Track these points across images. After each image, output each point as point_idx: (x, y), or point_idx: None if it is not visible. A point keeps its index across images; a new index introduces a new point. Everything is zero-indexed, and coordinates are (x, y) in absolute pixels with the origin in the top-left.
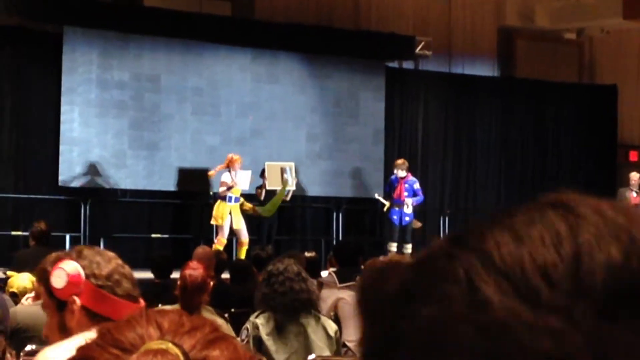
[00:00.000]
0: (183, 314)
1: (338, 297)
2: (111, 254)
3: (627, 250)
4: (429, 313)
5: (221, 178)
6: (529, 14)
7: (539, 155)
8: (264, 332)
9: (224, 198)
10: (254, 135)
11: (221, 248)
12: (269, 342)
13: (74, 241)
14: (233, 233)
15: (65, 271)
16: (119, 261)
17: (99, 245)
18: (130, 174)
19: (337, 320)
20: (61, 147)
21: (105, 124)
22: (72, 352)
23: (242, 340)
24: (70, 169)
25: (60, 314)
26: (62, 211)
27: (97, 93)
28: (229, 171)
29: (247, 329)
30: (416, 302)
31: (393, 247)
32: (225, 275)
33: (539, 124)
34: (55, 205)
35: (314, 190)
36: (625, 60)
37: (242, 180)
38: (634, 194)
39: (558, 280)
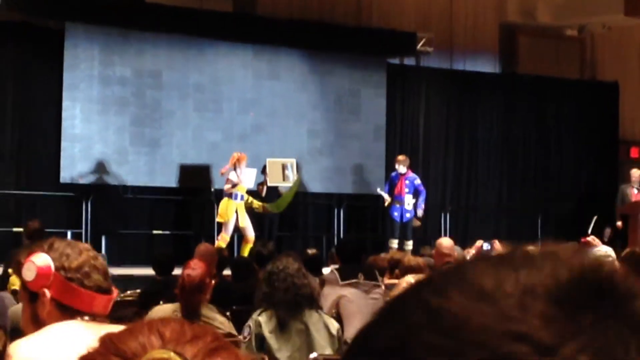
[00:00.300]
0: (185, 322)
1: (340, 294)
2: (84, 245)
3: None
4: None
5: (228, 176)
6: (531, 10)
7: (541, 151)
8: (266, 330)
9: (229, 195)
10: (256, 131)
11: (224, 245)
12: (271, 340)
13: (76, 238)
14: (237, 230)
15: (35, 264)
16: (91, 253)
17: (101, 242)
18: (132, 170)
19: (338, 318)
20: (63, 144)
21: (106, 121)
22: (43, 344)
23: (244, 338)
24: (72, 166)
25: (32, 305)
26: (64, 208)
27: (99, 89)
28: (235, 169)
29: (250, 327)
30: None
31: (394, 243)
32: (227, 272)
33: (541, 121)
34: (56, 202)
35: (315, 186)
36: (627, 56)
37: (247, 178)
38: (635, 191)
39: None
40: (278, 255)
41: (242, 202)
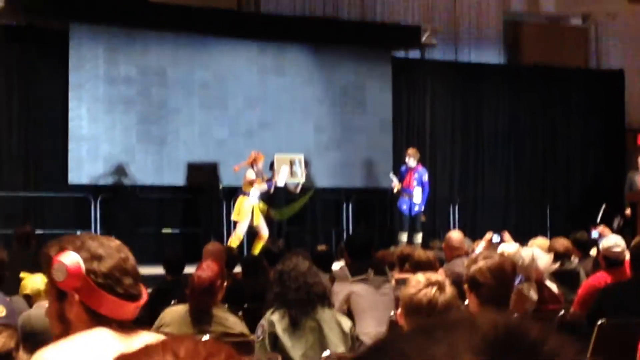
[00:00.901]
0: (199, 342)
1: (351, 290)
2: (115, 244)
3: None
4: None
5: (246, 175)
6: (534, 0)
7: (547, 141)
8: (279, 328)
9: (247, 194)
10: (262, 127)
11: (237, 244)
12: (284, 338)
13: None
14: (249, 228)
15: (66, 265)
16: (122, 254)
17: None
18: (139, 169)
19: (349, 314)
20: (70, 144)
21: (113, 120)
22: (70, 354)
23: (258, 338)
24: (80, 166)
25: (60, 303)
26: (72, 208)
27: (105, 89)
28: (252, 168)
29: (263, 326)
30: None
31: (404, 237)
32: (237, 270)
33: (547, 111)
34: (65, 202)
35: (322, 181)
36: (632, 44)
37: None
38: None
39: None
40: (288, 255)
41: (259, 201)
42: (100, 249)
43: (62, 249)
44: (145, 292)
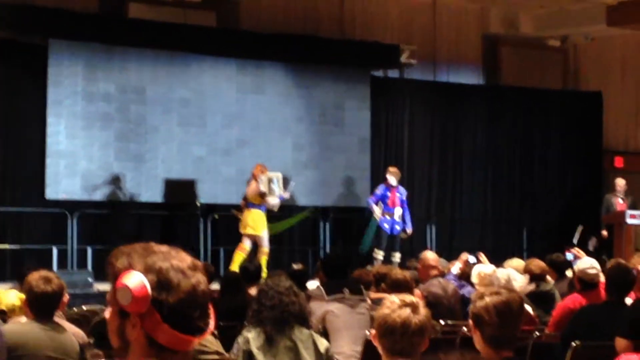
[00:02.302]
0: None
1: (326, 309)
2: (188, 263)
3: None
4: None
5: (251, 187)
6: (513, 21)
7: (525, 162)
8: (254, 346)
9: (257, 206)
10: (241, 145)
11: (245, 256)
12: (259, 356)
13: (61, 254)
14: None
15: (131, 291)
16: (194, 279)
17: (87, 258)
18: (117, 185)
19: (325, 333)
20: (47, 160)
21: (91, 136)
22: None
23: (234, 355)
24: (57, 182)
25: (121, 319)
26: (49, 224)
27: (83, 105)
28: (257, 180)
29: (238, 343)
30: None
31: (379, 254)
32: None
33: (525, 131)
34: (42, 217)
35: (300, 200)
36: (610, 66)
37: (288, 190)
38: (620, 201)
39: None
40: (270, 273)
41: (265, 212)
42: (171, 274)
43: (130, 266)
44: (212, 321)
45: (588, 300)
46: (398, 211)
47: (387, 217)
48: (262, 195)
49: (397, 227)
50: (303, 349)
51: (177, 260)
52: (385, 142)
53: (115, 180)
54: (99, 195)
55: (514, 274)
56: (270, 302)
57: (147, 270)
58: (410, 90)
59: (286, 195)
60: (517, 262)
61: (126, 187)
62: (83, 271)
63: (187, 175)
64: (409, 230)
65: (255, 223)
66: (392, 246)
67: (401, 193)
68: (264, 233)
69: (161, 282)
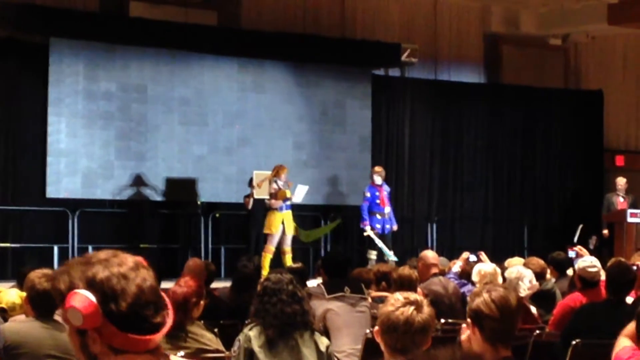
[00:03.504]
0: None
1: (327, 308)
2: (129, 265)
3: None
4: None
5: (271, 188)
6: (514, 20)
7: (526, 161)
8: (256, 345)
9: (275, 208)
10: (241, 144)
11: (271, 256)
12: (260, 354)
13: (62, 253)
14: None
15: (79, 311)
16: (139, 278)
17: None
18: (118, 184)
19: (325, 331)
20: (48, 159)
21: (92, 135)
22: None
23: (234, 352)
24: (58, 181)
25: (81, 337)
26: (50, 222)
27: (84, 104)
28: (276, 181)
29: (239, 341)
30: None
31: (373, 255)
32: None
33: (526, 130)
34: (43, 216)
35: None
36: (611, 65)
37: (298, 194)
38: (621, 199)
39: None
40: (275, 271)
41: (289, 212)
42: (114, 281)
43: (72, 285)
44: (170, 314)
45: (588, 298)
46: (387, 209)
47: (379, 216)
48: (270, 196)
49: (388, 226)
50: (304, 347)
51: (117, 267)
52: (386, 141)
53: (116, 179)
54: (99, 194)
55: (524, 271)
56: (273, 310)
57: (89, 286)
58: (411, 89)
59: (295, 199)
60: (517, 261)
61: (127, 186)
62: None
63: (188, 174)
64: (395, 227)
65: (270, 222)
66: (386, 245)
67: (387, 191)
68: (278, 232)
69: (106, 293)
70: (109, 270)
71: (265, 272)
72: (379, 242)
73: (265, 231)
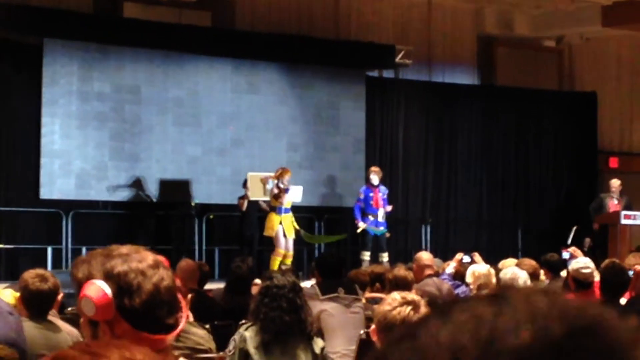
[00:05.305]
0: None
1: (321, 309)
2: (148, 262)
3: (536, 332)
4: None
5: (273, 189)
6: (509, 21)
7: (520, 162)
8: (251, 345)
9: (274, 209)
10: (235, 145)
11: (280, 259)
12: (255, 355)
13: (56, 254)
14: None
15: (93, 301)
16: (156, 277)
17: None
18: (112, 185)
19: (319, 332)
20: (42, 160)
21: (85, 136)
22: None
23: (229, 352)
24: (52, 182)
25: (92, 328)
26: (44, 223)
27: (78, 105)
28: (278, 183)
29: (235, 340)
30: None
31: (366, 256)
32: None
33: (520, 132)
34: (36, 217)
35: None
36: (605, 67)
37: (293, 195)
38: (615, 201)
39: None
40: (279, 271)
41: (288, 215)
42: (131, 276)
43: (90, 275)
44: (183, 317)
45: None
46: (381, 212)
47: (371, 218)
48: (276, 197)
49: (382, 228)
50: (299, 350)
51: (136, 262)
52: (380, 143)
53: (110, 180)
54: (93, 195)
55: (518, 272)
56: (271, 314)
57: (106, 277)
58: (405, 91)
59: (295, 199)
60: (511, 262)
61: (121, 187)
62: None
63: (181, 175)
64: (387, 234)
65: (268, 225)
66: (380, 247)
67: (383, 192)
68: (276, 234)
69: (122, 287)
70: (127, 265)
71: None
72: (371, 228)
73: (266, 234)
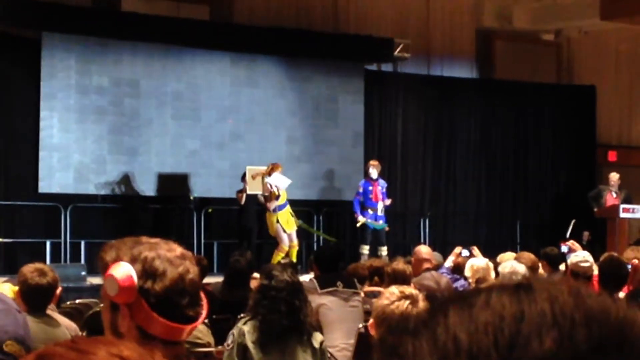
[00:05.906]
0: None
1: (319, 303)
2: (176, 254)
3: (561, 340)
4: None
5: (264, 189)
6: (507, 15)
7: (519, 156)
8: (249, 340)
9: (268, 209)
10: (234, 139)
11: (282, 254)
12: (254, 350)
13: (54, 248)
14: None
15: (117, 281)
16: (182, 268)
17: (80, 252)
18: (110, 179)
19: (318, 326)
20: (41, 153)
21: (84, 130)
22: None
23: (228, 346)
24: (50, 175)
25: (113, 313)
26: (42, 217)
27: (77, 98)
28: (269, 182)
29: (233, 335)
30: None
31: (365, 249)
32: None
33: (518, 125)
34: (35, 211)
35: (293, 193)
36: (603, 60)
37: (280, 181)
38: (614, 194)
39: None
40: (279, 269)
41: (284, 211)
42: (157, 262)
43: (117, 258)
44: (204, 309)
45: None
46: (380, 205)
47: (370, 212)
48: (265, 199)
49: (380, 222)
50: (298, 345)
51: (164, 250)
52: (378, 136)
53: (108, 174)
54: (92, 189)
55: (517, 265)
56: (269, 316)
57: (133, 260)
58: (403, 84)
59: (282, 185)
60: (509, 256)
61: (119, 181)
62: (76, 265)
63: (180, 169)
64: (386, 228)
65: (268, 225)
66: (379, 240)
67: (382, 186)
68: (277, 232)
69: (146, 270)
70: (155, 252)
71: None
72: (370, 222)
73: (271, 233)
